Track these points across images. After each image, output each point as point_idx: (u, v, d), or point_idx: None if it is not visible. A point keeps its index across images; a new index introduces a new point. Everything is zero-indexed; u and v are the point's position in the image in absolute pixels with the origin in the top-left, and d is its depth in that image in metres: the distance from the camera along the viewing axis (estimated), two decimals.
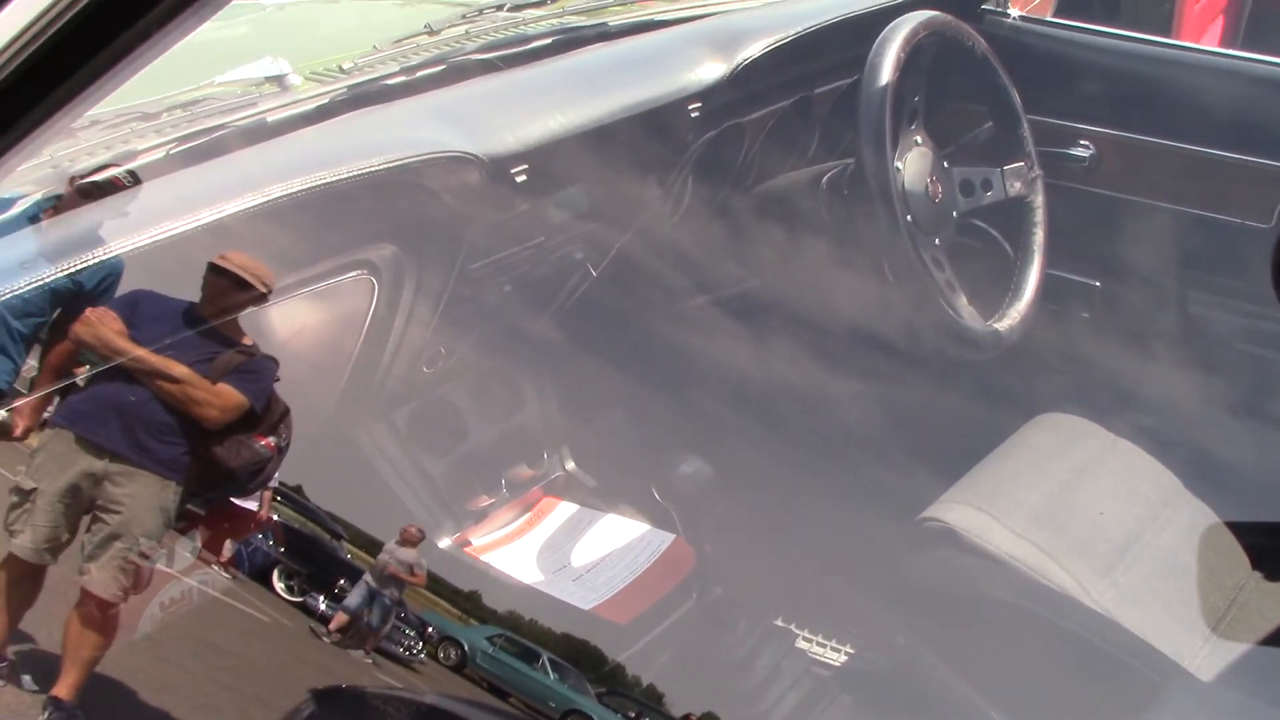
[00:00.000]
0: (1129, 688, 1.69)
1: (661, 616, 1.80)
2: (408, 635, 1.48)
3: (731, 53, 2.07)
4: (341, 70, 1.81)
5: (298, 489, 1.54)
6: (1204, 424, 1.89)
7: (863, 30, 2.08)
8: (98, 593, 1.35)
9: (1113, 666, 1.72)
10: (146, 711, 1.40)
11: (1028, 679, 1.64)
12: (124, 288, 1.42)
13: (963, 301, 1.99)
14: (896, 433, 1.96)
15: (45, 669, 1.35)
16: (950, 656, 1.73)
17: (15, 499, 1.34)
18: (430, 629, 1.50)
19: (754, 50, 2.09)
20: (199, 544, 1.48)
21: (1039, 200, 2.13)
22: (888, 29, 2.02)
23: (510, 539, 1.87)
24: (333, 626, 1.44)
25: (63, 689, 1.34)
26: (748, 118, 2.07)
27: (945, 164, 2.07)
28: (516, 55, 1.94)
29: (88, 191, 1.43)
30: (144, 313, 1.40)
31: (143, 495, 1.38)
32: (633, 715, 1.53)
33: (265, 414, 1.43)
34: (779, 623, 1.85)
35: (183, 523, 1.44)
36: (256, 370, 1.44)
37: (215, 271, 1.41)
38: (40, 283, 1.35)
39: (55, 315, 1.36)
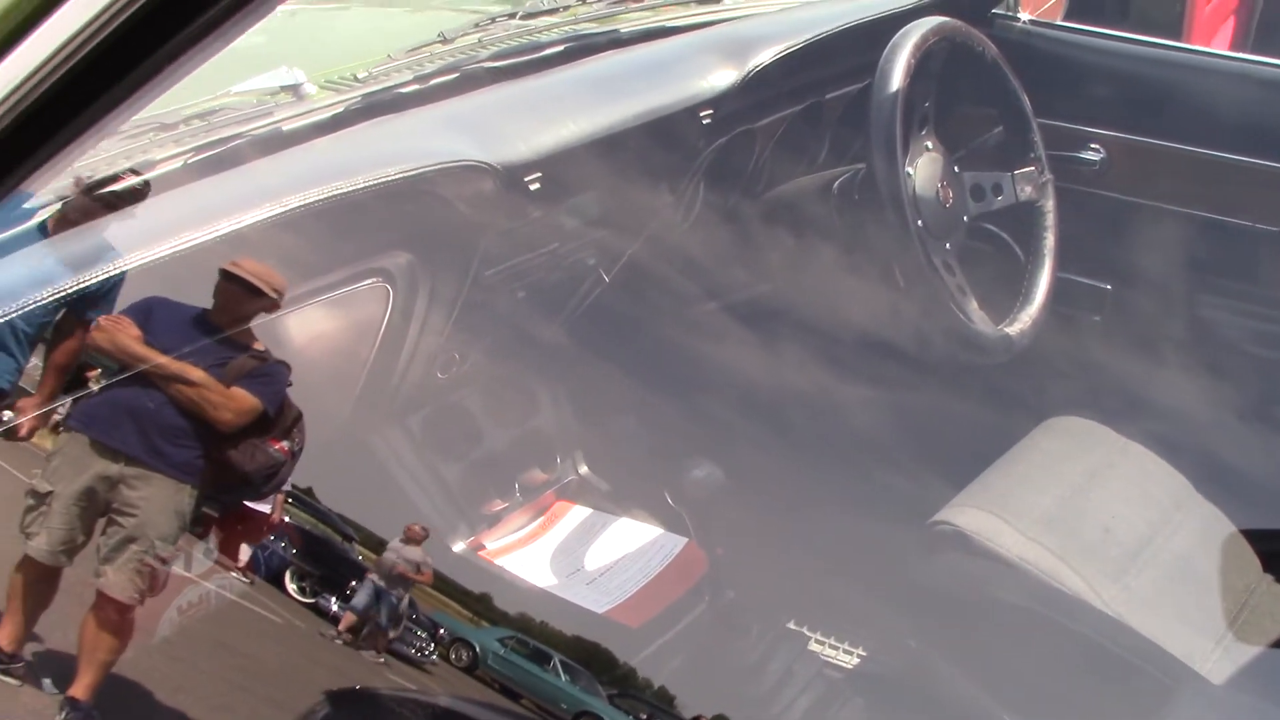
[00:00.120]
0: (1140, 691, 1.69)
1: (674, 620, 1.80)
2: (419, 636, 1.49)
3: (743, 60, 2.07)
4: (356, 79, 1.82)
5: (312, 493, 1.55)
6: (1215, 428, 1.89)
7: (873, 36, 2.09)
8: (114, 595, 1.36)
9: (1124, 670, 1.71)
10: (162, 712, 1.41)
11: (1039, 682, 1.64)
12: (141, 296, 1.44)
13: (974, 306, 1.99)
14: (907, 437, 1.96)
15: (61, 669, 1.36)
16: (962, 659, 1.73)
17: (31, 502, 1.36)
18: (442, 630, 1.50)
19: (765, 57, 2.09)
20: (213, 547, 1.50)
21: (1050, 204, 2.13)
22: (898, 35, 2.03)
23: (524, 543, 1.88)
24: (342, 627, 1.45)
25: (79, 689, 1.35)
26: (759, 124, 2.07)
27: (956, 169, 2.08)
28: (529, 63, 1.95)
29: (109, 201, 1.45)
30: (158, 319, 1.41)
31: (158, 498, 1.39)
32: (644, 717, 1.54)
33: (278, 418, 1.44)
34: (791, 626, 1.86)
35: (198, 526, 1.46)
36: (269, 375, 1.45)
37: (227, 278, 1.43)
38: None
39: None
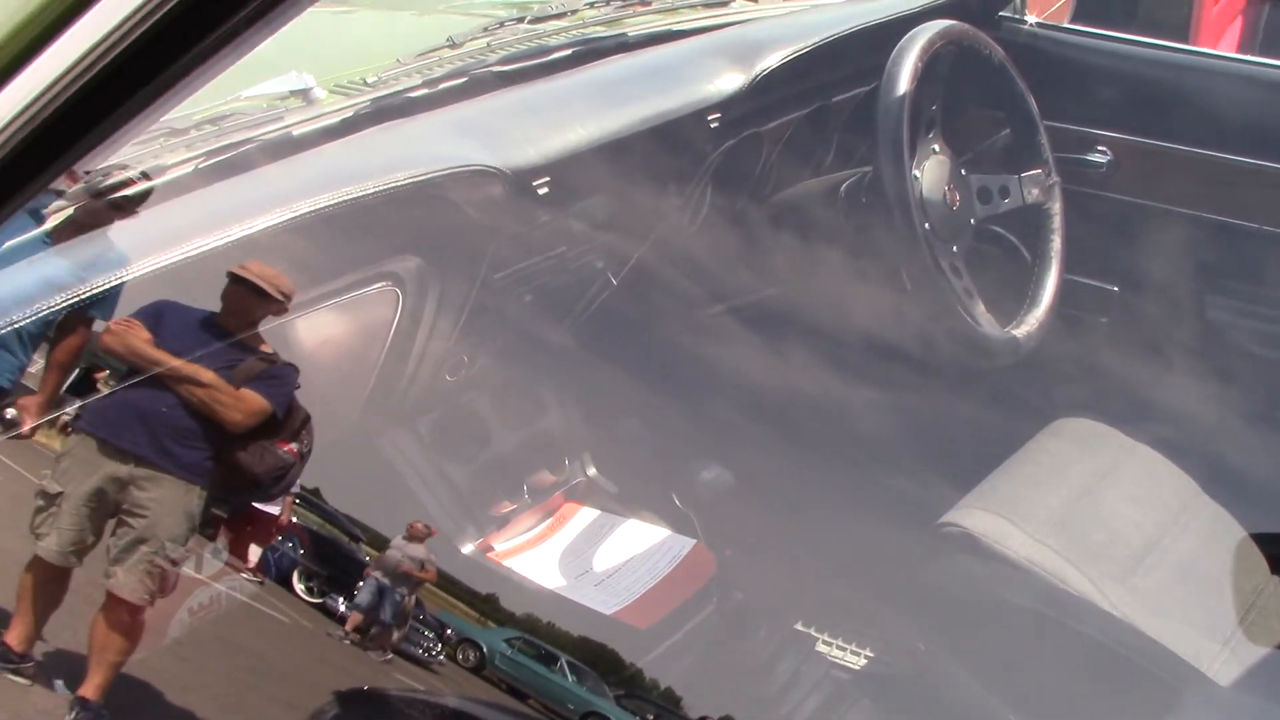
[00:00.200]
0: (1147, 693, 1.68)
1: (682, 621, 1.80)
2: (426, 636, 1.49)
3: (750, 64, 2.08)
4: (365, 83, 1.83)
5: (321, 494, 1.56)
6: (1222, 429, 1.88)
7: (881, 39, 2.09)
8: (124, 596, 1.37)
9: (1131, 671, 1.71)
10: (172, 712, 1.42)
11: (1046, 684, 1.64)
12: (153, 300, 1.45)
13: (981, 309, 1.99)
14: (915, 440, 1.96)
15: (72, 669, 1.37)
16: (969, 661, 1.73)
17: (41, 503, 1.37)
18: (449, 631, 1.51)
19: (772, 61, 2.10)
20: (223, 548, 1.50)
21: (1057, 207, 2.13)
22: (905, 39, 2.03)
23: (533, 544, 1.88)
24: (349, 626, 1.46)
25: (89, 689, 1.35)
26: (766, 127, 2.07)
27: (963, 171, 2.08)
28: (537, 67, 1.96)
29: (118, 205, 1.46)
30: (168, 322, 1.42)
31: (167, 500, 1.40)
32: (651, 717, 1.54)
33: (287, 420, 1.44)
34: (799, 627, 1.86)
35: (208, 528, 1.47)
36: (278, 376, 1.46)
37: (235, 281, 1.43)
38: (71, 302, 1.37)
39: (62, 313, 1.38)
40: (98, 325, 1.38)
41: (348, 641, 1.49)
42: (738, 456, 1.92)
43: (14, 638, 1.35)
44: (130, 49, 1.14)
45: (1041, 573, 1.74)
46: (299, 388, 1.48)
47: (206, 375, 1.41)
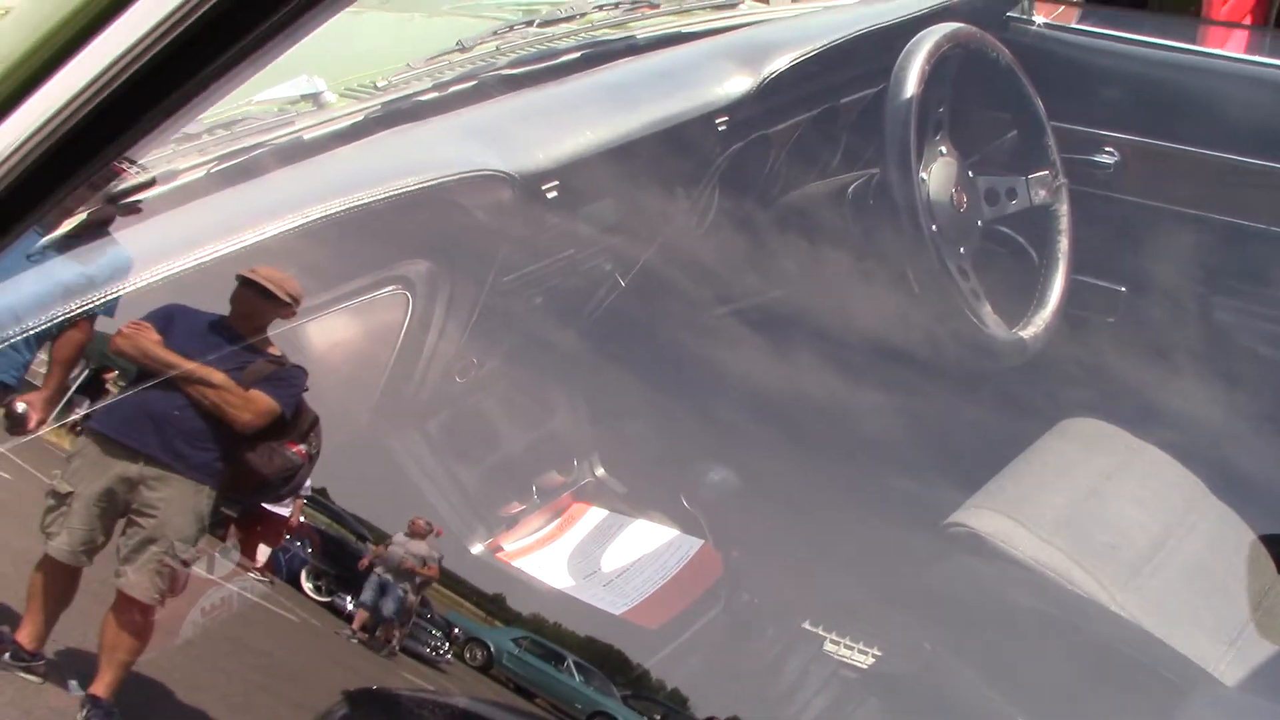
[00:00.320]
0: (1153, 693, 1.68)
1: (690, 621, 1.80)
2: (434, 636, 1.50)
3: (758, 67, 2.08)
4: (376, 87, 1.84)
5: (330, 495, 1.57)
6: (1230, 430, 1.87)
7: (888, 41, 2.09)
8: (134, 595, 1.38)
9: (1137, 672, 1.70)
10: (182, 710, 1.42)
11: (1053, 684, 1.63)
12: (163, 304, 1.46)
13: (988, 310, 1.99)
14: (921, 441, 1.96)
15: (83, 667, 1.38)
16: (976, 661, 1.73)
17: (52, 502, 1.38)
18: (456, 630, 1.51)
19: (780, 64, 2.10)
20: (234, 549, 1.51)
21: (1064, 208, 2.13)
22: (912, 42, 2.03)
23: (542, 544, 1.88)
24: (356, 625, 1.47)
25: (100, 687, 1.36)
26: (773, 129, 2.07)
27: (970, 173, 2.07)
28: (546, 70, 1.96)
29: (132, 209, 1.47)
30: (178, 325, 1.43)
31: (177, 500, 1.41)
32: (658, 717, 1.54)
33: (295, 421, 1.45)
34: (806, 626, 1.86)
35: (218, 528, 1.48)
36: (286, 378, 1.47)
37: (245, 284, 1.45)
38: (84, 310, 1.39)
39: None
40: (100, 320, 1.39)
41: (355, 640, 1.49)
42: (745, 458, 1.92)
43: (25, 636, 1.36)
44: (157, 57, 1.17)
45: (1048, 573, 1.74)
46: (307, 390, 1.49)
47: (216, 376, 1.42)
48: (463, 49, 1.96)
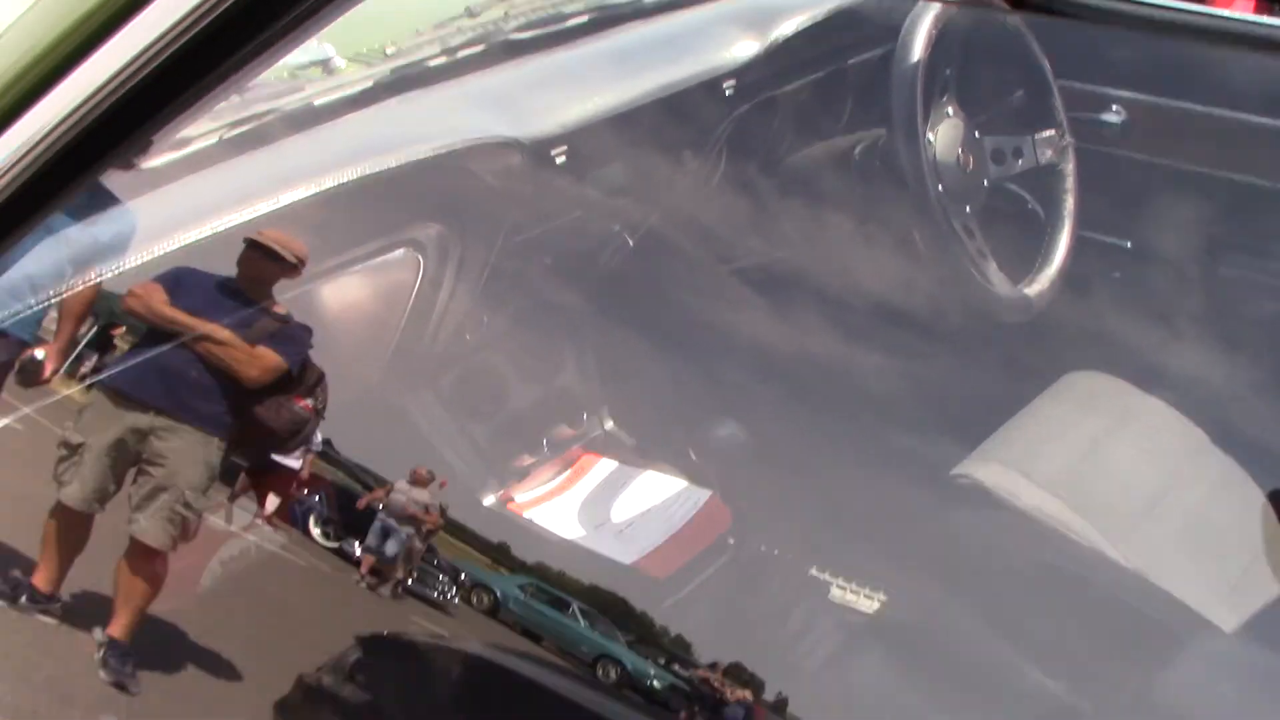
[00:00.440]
0: (1153, 641, 1.67)
1: (698, 570, 1.82)
2: (441, 581, 1.52)
3: (765, 30, 2.07)
4: (385, 54, 1.85)
5: (344, 450, 1.59)
6: (1233, 384, 1.85)
7: (896, 3, 2.08)
8: (148, 542, 1.42)
9: (1137, 620, 1.70)
10: (197, 652, 1.46)
11: (1054, 632, 1.63)
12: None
13: (993, 268, 1.98)
14: (927, 398, 1.95)
15: (99, 610, 1.42)
16: (980, 610, 1.72)
17: (64, 452, 1.42)
18: (463, 575, 1.53)
19: (788, 28, 2.09)
20: (248, 500, 1.54)
21: (1070, 167, 2.10)
22: (919, 4, 2.01)
23: (552, 495, 1.90)
24: (364, 570, 1.49)
25: (117, 630, 1.41)
26: (780, 90, 2.07)
27: (976, 133, 2.06)
28: (554, 35, 1.97)
29: (145, 177, 1.49)
30: (186, 285, 1.47)
31: (187, 450, 1.44)
32: (663, 662, 1.55)
33: (301, 377, 1.48)
34: (813, 574, 1.86)
35: (230, 480, 1.51)
36: (291, 336, 1.50)
37: (250, 246, 1.48)
38: (96, 281, 1.42)
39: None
40: (111, 279, 1.42)
41: (364, 585, 1.52)
42: (752, 413, 1.92)
43: (41, 580, 1.40)
44: (174, 55, 1.20)
45: (1051, 523, 1.73)
46: (312, 347, 1.52)
47: (223, 334, 1.45)
48: (471, 14, 1.97)
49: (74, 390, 1.51)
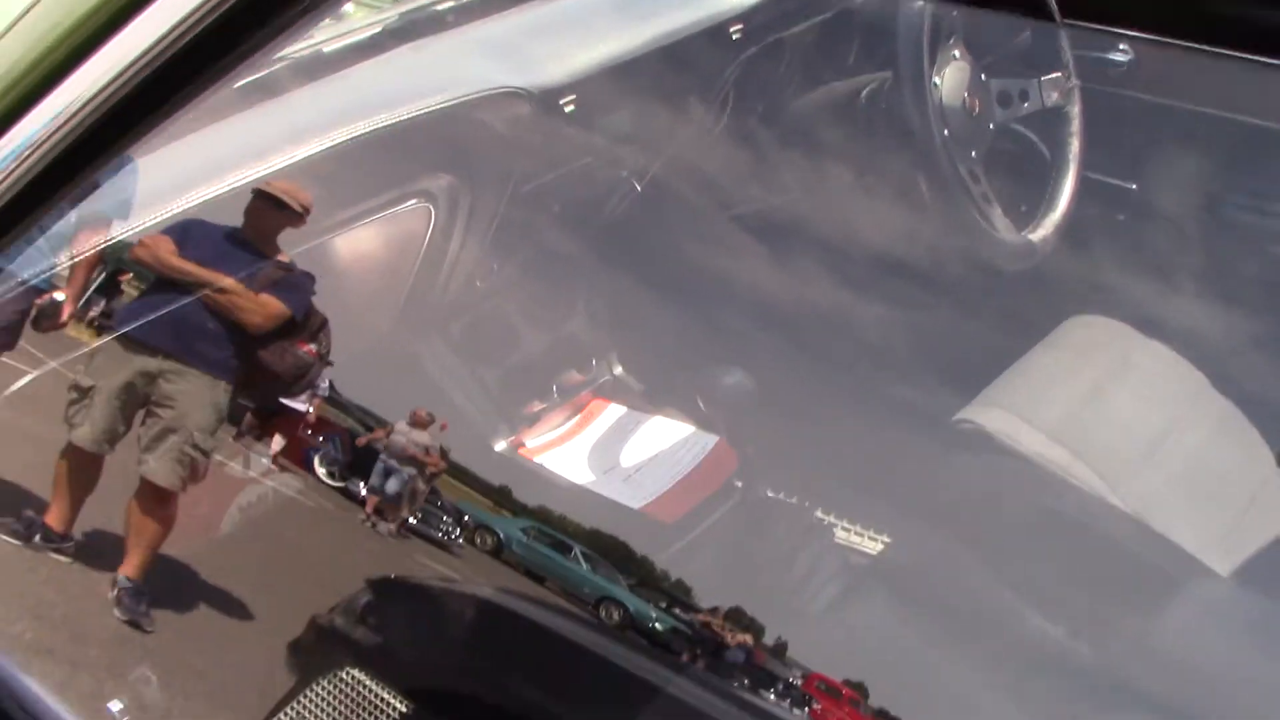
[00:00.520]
0: (1150, 584, 1.67)
1: (704, 515, 1.82)
2: (445, 522, 1.54)
3: None
4: None
5: (358, 396, 1.61)
6: (1235, 327, 1.83)
7: None
8: (157, 482, 1.44)
9: (1136, 565, 1.69)
10: (208, 590, 1.48)
11: (1054, 575, 1.63)
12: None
13: (998, 213, 1.96)
14: (931, 345, 1.94)
15: (110, 549, 1.44)
16: (981, 554, 1.73)
17: (74, 395, 1.44)
18: (466, 517, 1.55)
19: None
20: (256, 442, 1.56)
21: (1075, 110, 2.07)
22: None
23: (562, 440, 1.91)
24: (369, 509, 1.51)
25: (129, 568, 1.43)
26: (787, 33, 2.04)
27: (983, 76, 2.03)
28: None
29: None
30: (194, 236, 1.49)
31: (195, 392, 1.46)
32: (664, 605, 1.56)
33: (305, 323, 1.49)
34: (818, 517, 1.86)
35: (238, 422, 1.52)
36: (295, 284, 1.51)
37: (257, 195, 1.48)
38: (112, 241, 1.43)
39: None
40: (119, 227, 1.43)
41: (370, 524, 1.54)
42: (758, 359, 1.92)
43: (53, 519, 1.43)
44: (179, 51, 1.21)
45: (1052, 468, 1.73)
46: (315, 294, 1.53)
47: (228, 282, 1.46)
48: None
49: (88, 335, 1.53)
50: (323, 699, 1.46)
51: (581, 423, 1.99)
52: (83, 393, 1.47)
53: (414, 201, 1.82)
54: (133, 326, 1.49)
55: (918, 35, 1.93)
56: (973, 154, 1.97)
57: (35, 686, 1.40)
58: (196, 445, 1.47)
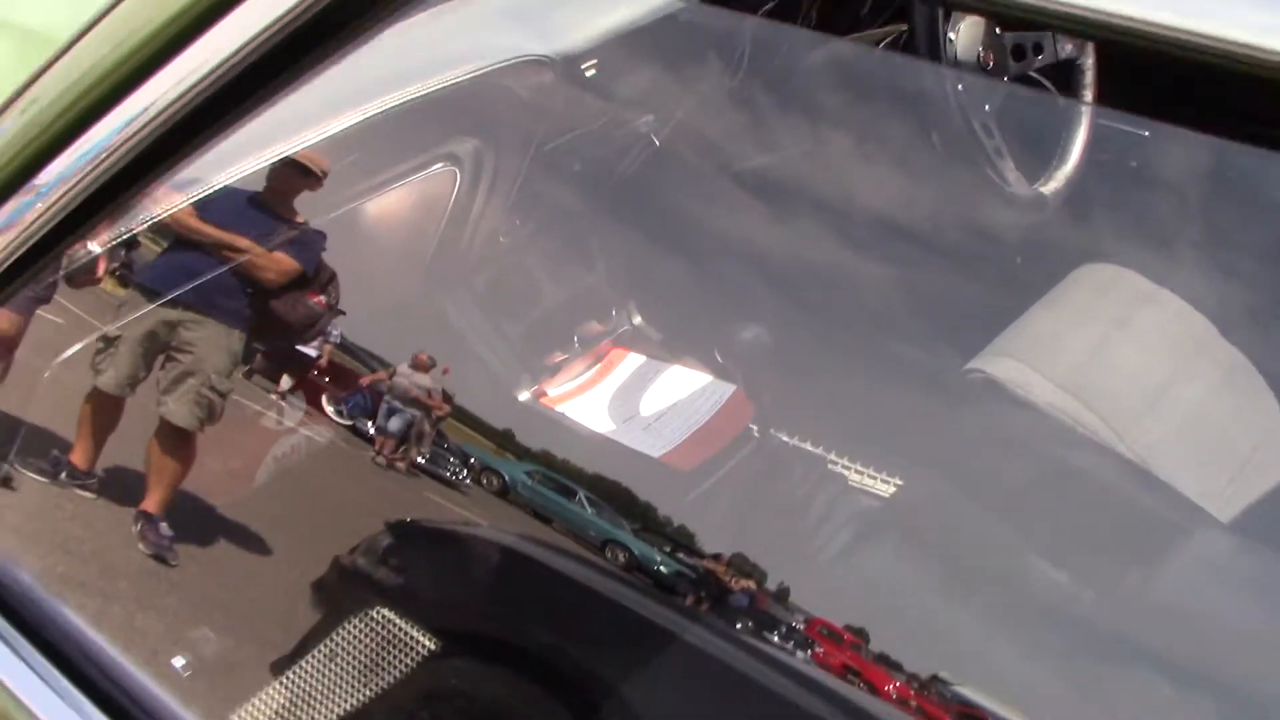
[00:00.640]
0: (1153, 532, 1.65)
1: (720, 464, 1.83)
2: (453, 463, 1.57)
3: None
4: None
5: (383, 349, 1.66)
6: (1245, 274, 1.78)
7: None
8: (177, 422, 1.52)
9: (1141, 513, 1.67)
10: (227, 526, 1.55)
11: (1060, 523, 1.62)
12: None
13: (1010, 166, 1.93)
14: (943, 296, 1.92)
15: (132, 486, 1.51)
16: (989, 503, 1.71)
17: (101, 344, 1.51)
18: (472, 459, 1.58)
19: None
20: (271, 385, 1.62)
21: (1089, 62, 2.03)
22: None
23: (583, 389, 1.93)
24: (377, 448, 1.56)
25: (150, 504, 1.51)
26: None
27: (997, 30, 1.99)
28: None
29: None
30: (216, 200, 1.53)
31: (212, 339, 1.53)
32: (667, 550, 1.58)
33: (316, 276, 1.55)
34: (829, 465, 1.86)
35: (253, 364, 1.58)
36: (307, 242, 1.57)
37: (279, 161, 1.53)
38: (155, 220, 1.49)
39: None
40: None
41: (380, 462, 1.58)
42: (775, 311, 1.92)
43: (78, 457, 1.50)
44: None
45: (1061, 417, 1.71)
46: (325, 250, 1.59)
47: (244, 241, 1.52)
48: None
49: (119, 290, 1.60)
50: (356, 638, 1.52)
51: (602, 371, 2.02)
52: (108, 342, 1.54)
53: (440, 165, 1.86)
54: (156, 280, 1.57)
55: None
56: (986, 108, 1.94)
57: (104, 642, 1.48)
58: (213, 387, 1.54)
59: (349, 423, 1.61)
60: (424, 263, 1.89)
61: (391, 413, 1.58)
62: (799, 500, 1.87)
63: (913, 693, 1.51)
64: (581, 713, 1.57)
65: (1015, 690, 1.57)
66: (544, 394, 1.99)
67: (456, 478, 1.59)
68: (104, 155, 1.38)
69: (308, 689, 1.54)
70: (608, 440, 1.84)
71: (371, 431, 1.60)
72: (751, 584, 1.52)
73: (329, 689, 1.55)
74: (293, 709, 1.54)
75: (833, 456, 1.89)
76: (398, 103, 1.65)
